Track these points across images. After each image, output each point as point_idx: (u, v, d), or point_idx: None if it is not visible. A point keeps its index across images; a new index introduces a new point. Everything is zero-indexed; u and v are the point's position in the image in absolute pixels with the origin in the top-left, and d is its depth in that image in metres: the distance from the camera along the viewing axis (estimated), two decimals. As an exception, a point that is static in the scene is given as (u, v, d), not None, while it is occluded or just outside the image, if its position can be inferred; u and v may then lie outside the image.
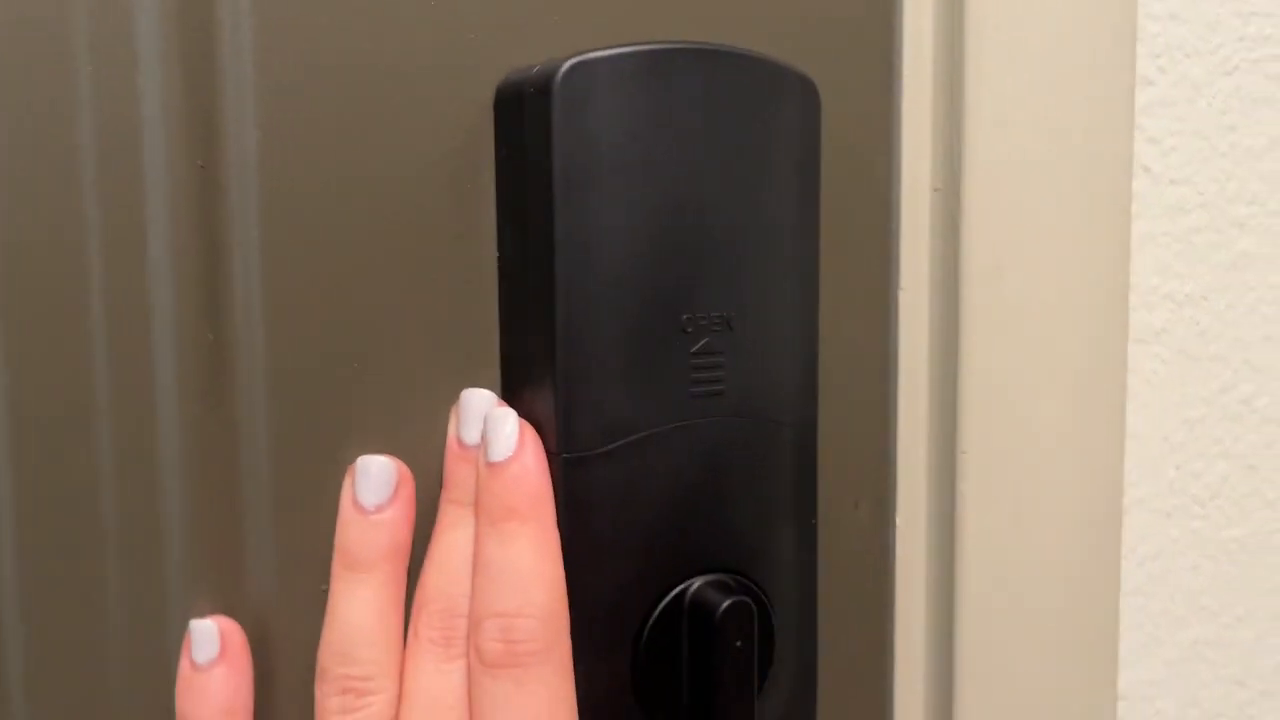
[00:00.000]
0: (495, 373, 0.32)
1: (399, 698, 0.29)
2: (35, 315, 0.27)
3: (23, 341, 0.27)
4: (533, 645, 0.28)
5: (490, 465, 0.29)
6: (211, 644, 0.28)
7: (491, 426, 0.29)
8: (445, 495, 0.30)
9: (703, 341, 0.30)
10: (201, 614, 0.29)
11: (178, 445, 0.28)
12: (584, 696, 0.29)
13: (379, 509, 0.30)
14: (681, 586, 0.30)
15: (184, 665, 0.28)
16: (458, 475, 0.30)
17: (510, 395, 0.31)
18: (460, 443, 0.30)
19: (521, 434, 0.29)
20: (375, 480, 0.30)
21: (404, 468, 0.30)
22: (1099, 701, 0.41)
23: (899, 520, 0.39)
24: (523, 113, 0.29)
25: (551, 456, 0.29)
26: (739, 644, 0.30)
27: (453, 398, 0.31)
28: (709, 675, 0.30)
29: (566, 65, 0.28)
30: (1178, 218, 0.44)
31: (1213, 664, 0.48)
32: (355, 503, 0.30)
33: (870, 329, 0.38)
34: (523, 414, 0.30)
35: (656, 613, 0.30)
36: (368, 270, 0.30)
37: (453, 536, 0.30)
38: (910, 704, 0.40)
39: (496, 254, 0.31)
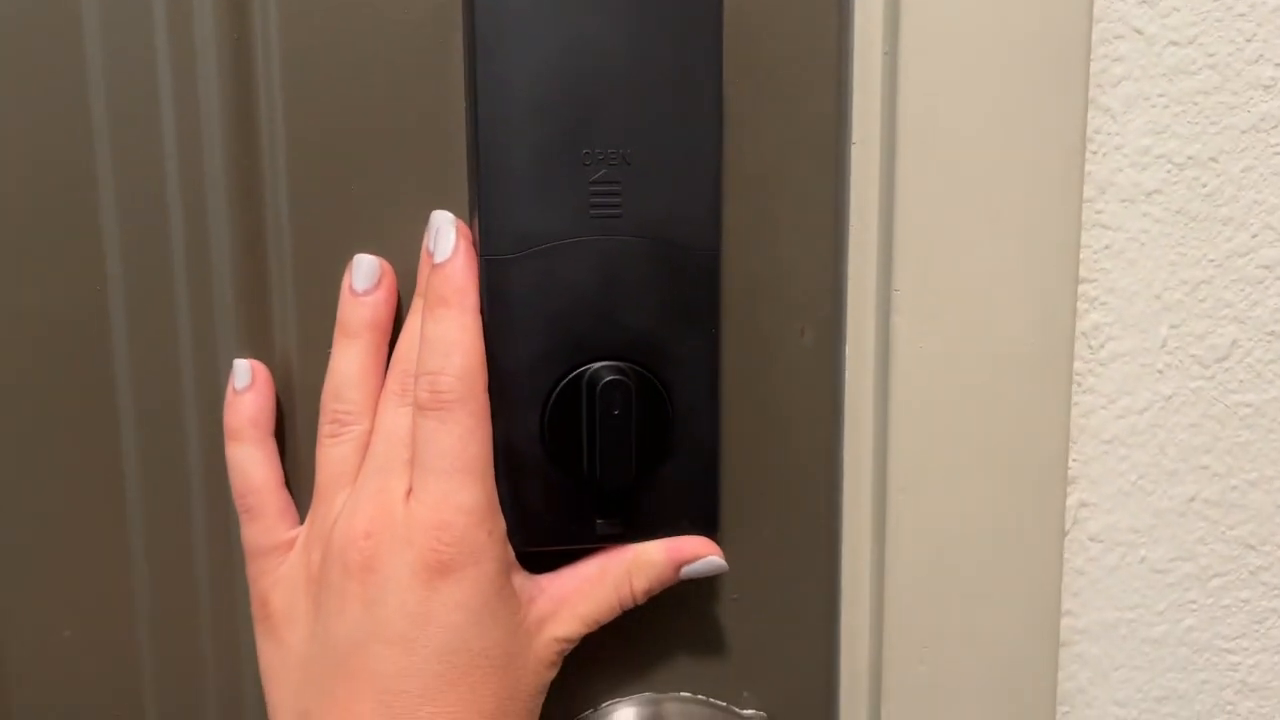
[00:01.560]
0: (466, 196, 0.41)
1: (371, 430, 0.40)
2: (128, 133, 0.40)
3: (126, 141, 0.40)
4: (450, 395, 0.37)
5: (434, 265, 0.38)
6: (245, 375, 0.40)
7: (439, 236, 0.39)
8: (417, 290, 0.40)
9: (601, 173, 0.38)
10: (242, 357, 0.41)
11: (227, 242, 0.40)
12: (502, 444, 0.39)
13: (367, 293, 0.40)
14: (585, 367, 0.39)
15: (229, 391, 0.41)
16: (425, 275, 0.40)
17: (468, 214, 0.40)
18: (428, 251, 0.40)
19: (457, 241, 0.38)
20: (365, 271, 0.40)
21: (387, 264, 0.40)
22: (1043, 530, 0.45)
23: (848, 349, 0.45)
24: (465, -15, 0.38)
25: (480, 259, 0.38)
26: (616, 413, 0.38)
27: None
28: (594, 437, 0.38)
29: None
30: (1178, 79, 0.45)
31: (1215, 523, 0.49)
32: (350, 288, 0.40)
33: (823, 177, 0.43)
34: (470, 228, 0.39)
35: (561, 384, 0.39)
36: (370, 116, 0.40)
37: (417, 320, 0.40)
38: (858, 512, 0.46)
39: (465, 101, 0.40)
